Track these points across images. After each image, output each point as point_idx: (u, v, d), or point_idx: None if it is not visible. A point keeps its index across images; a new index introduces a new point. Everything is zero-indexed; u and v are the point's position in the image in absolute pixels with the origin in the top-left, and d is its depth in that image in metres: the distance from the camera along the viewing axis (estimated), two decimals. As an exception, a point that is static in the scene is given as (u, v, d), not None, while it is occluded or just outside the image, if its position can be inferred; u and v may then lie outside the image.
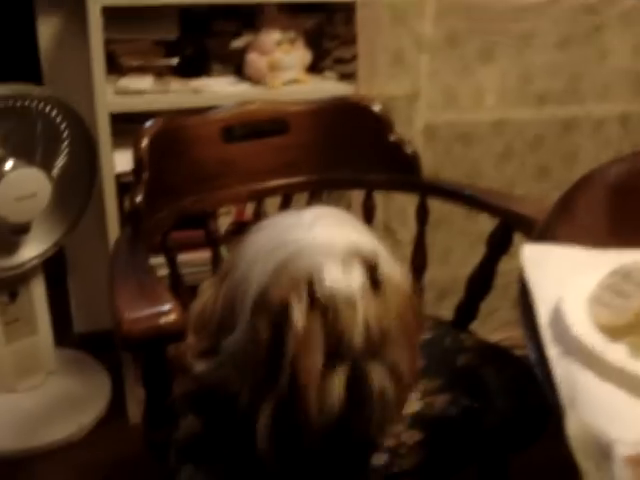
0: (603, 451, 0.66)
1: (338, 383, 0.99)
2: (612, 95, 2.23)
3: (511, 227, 1.42)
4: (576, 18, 2.10)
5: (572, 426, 0.70)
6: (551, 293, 0.92)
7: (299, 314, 0.97)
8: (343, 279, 0.99)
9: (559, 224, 1.13)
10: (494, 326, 2.19)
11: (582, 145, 2.25)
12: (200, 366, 1.19)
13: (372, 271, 1.01)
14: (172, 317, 1.00)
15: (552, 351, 0.84)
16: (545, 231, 1.12)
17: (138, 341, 0.99)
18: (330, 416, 1.00)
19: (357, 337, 0.98)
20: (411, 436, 1.21)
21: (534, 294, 0.93)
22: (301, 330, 0.97)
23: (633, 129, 2.28)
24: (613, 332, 0.84)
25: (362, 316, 0.98)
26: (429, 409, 1.27)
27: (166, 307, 1.02)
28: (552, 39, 2.10)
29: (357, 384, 1.00)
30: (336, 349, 0.98)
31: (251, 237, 1.18)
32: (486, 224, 1.47)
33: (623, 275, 0.92)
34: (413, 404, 1.26)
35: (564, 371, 0.80)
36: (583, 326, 0.85)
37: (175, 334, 1.01)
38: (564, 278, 0.96)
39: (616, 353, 0.80)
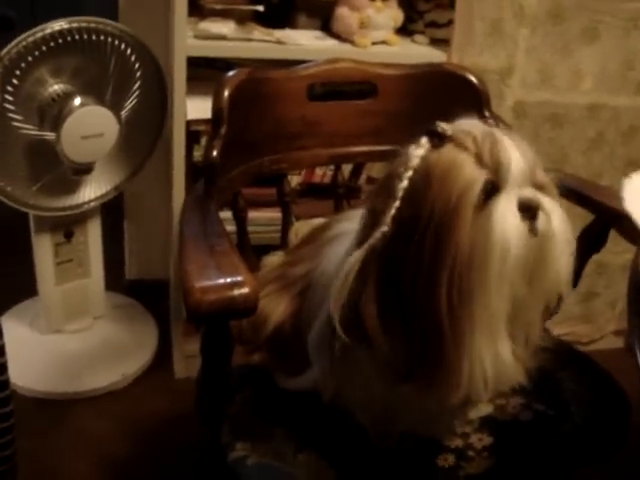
0: None
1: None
2: None
3: (608, 224, 1.31)
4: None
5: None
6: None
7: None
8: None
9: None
10: (557, 320, 2.09)
11: (677, 141, 2.12)
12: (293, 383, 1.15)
13: None
14: (246, 290, 0.91)
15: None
16: None
17: (207, 312, 0.91)
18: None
19: (516, 163, 0.91)
20: (480, 439, 1.14)
21: None
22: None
23: None
24: None
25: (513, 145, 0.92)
26: (500, 412, 1.19)
27: (239, 278, 0.93)
28: (661, 24, 1.96)
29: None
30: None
31: (329, 249, 1.12)
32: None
33: None
34: (483, 406, 1.18)
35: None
36: None
37: (248, 308, 0.92)
38: None
39: None
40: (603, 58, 1.97)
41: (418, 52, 1.88)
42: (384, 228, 0.92)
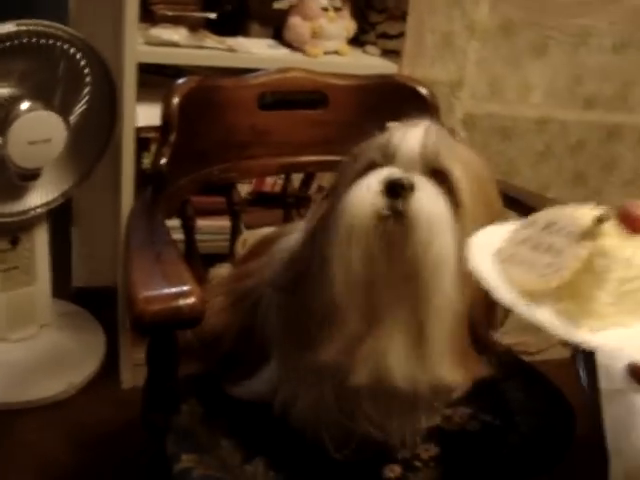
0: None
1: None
2: (661, 108, 2.13)
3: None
4: (636, 20, 1.99)
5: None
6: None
7: None
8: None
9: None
10: (506, 330, 2.10)
11: (623, 155, 2.16)
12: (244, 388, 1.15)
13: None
14: (192, 299, 0.90)
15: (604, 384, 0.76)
16: None
17: (152, 322, 0.89)
18: None
19: (408, 146, 0.93)
20: (427, 450, 1.14)
21: None
22: None
23: (678, 144, 2.19)
24: (541, 297, 0.67)
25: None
26: (447, 422, 1.19)
27: (186, 288, 0.92)
28: (609, 41, 2.00)
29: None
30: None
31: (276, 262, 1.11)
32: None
33: (545, 225, 0.74)
34: (431, 417, 1.17)
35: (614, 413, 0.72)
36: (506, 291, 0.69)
37: (194, 319, 0.91)
38: None
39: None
40: (552, 72, 2.00)
41: (369, 63, 1.89)
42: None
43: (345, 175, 0.97)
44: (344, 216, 0.89)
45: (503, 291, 0.68)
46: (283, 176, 1.53)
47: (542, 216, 0.74)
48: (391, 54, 1.91)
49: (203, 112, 1.30)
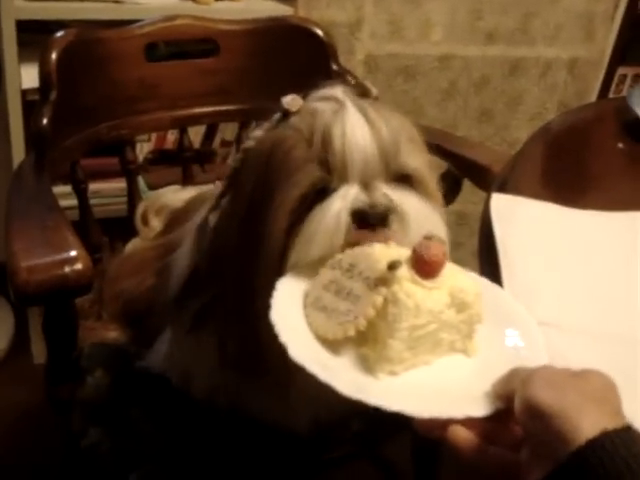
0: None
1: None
2: (562, 39, 2.13)
3: (462, 174, 1.30)
4: (532, -49, 1.98)
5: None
6: (517, 250, 0.82)
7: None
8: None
9: (519, 177, 1.05)
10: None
11: (527, 89, 2.16)
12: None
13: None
14: (78, 266, 0.85)
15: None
16: (504, 183, 1.03)
17: (37, 294, 0.83)
18: None
19: (358, 154, 0.76)
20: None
21: (500, 248, 0.83)
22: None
23: (579, 75, 2.20)
24: (337, 345, 0.68)
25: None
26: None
27: (72, 253, 0.86)
28: (506, -28, 1.97)
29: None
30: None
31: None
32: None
33: (347, 268, 0.70)
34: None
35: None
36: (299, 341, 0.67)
37: (81, 286, 0.85)
38: (533, 235, 0.86)
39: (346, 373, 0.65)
40: (451, 8, 1.97)
41: (264, 7, 1.82)
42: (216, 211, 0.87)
43: (270, 187, 0.78)
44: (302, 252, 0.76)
45: (296, 348, 0.65)
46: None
47: (346, 258, 0.71)
48: (286, -2, 1.85)
49: (85, 67, 1.23)
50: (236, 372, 0.89)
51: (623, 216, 0.93)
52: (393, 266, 0.66)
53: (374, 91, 0.85)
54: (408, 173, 0.79)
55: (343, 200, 0.75)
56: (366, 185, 0.76)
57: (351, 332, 0.66)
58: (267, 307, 0.69)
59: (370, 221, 0.74)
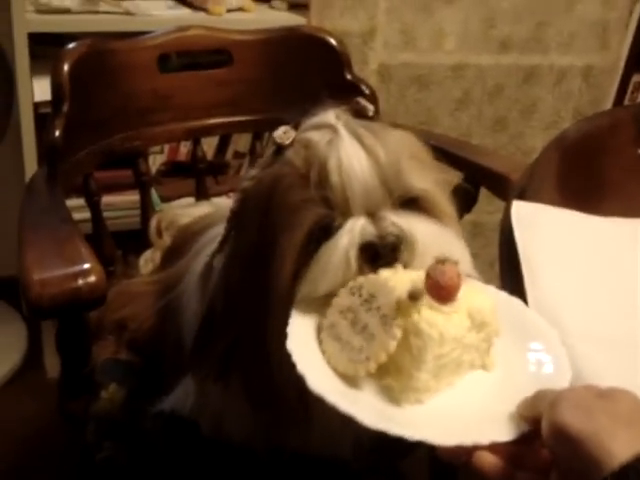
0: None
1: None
2: (576, 47, 2.11)
3: (478, 182, 1.29)
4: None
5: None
6: (541, 258, 0.80)
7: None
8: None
9: (538, 185, 1.03)
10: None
11: (542, 97, 2.14)
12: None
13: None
14: (92, 278, 0.84)
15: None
16: (523, 191, 1.02)
17: (51, 307, 0.82)
18: None
19: (358, 184, 0.72)
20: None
21: (523, 257, 0.81)
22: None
23: (594, 83, 2.18)
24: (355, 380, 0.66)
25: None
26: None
27: (85, 266, 0.85)
28: (519, -20, 1.96)
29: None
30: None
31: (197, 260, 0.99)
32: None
33: (365, 298, 0.67)
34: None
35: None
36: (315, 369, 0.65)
37: (95, 299, 0.84)
38: (556, 243, 0.84)
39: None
40: (464, 17, 1.95)
41: (276, 18, 1.81)
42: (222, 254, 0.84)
43: (273, 231, 0.75)
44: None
45: (314, 379, 0.64)
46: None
47: (367, 285, 0.68)
48: (299, 7, 1.85)
49: (97, 78, 1.22)
50: (267, 412, 0.86)
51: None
52: (414, 296, 0.64)
53: (370, 109, 0.82)
54: (414, 195, 0.75)
55: (350, 235, 0.71)
56: (372, 215, 0.73)
57: (361, 373, 0.65)
58: (282, 344, 0.68)
59: (380, 254, 0.71)
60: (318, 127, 0.77)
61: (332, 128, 0.76)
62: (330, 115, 0.78)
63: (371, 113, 0.81)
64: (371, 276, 0.70)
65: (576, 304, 0.78)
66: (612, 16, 2.10)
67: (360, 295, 0.68)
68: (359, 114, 0.80)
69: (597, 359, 0.71)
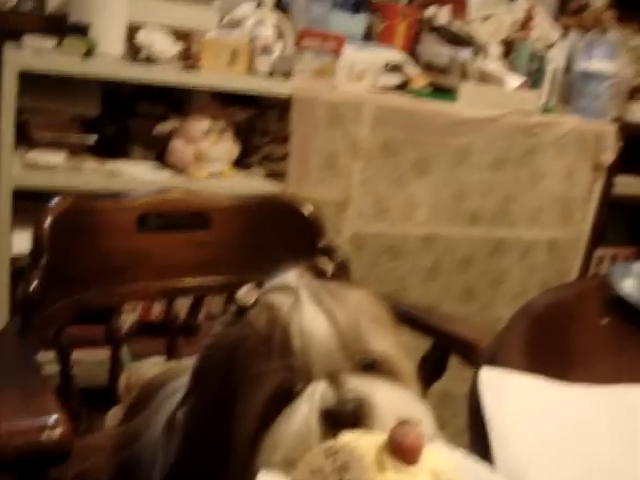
0: None
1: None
2: (541, 221, 2.20)
3: (447, 349, 1.30)
4: (513, 138, 2.08)
5: None
6: (509, 425, 0.81)
7: None
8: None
9: (506, 352, 1.05)
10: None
11: (509, 269, 2.20)
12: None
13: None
14: (57, 432, 0.82)
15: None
16: (492, 358, 1.03)
17: (13, 459, 0.81)
18: None
19: (319, 347, 0.73)
20: None
21: (490, 423, 0.81)
22: None
23: (559, 256, 2.26)
24: None
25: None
26: None
27: (51, 419, 0.84)
28: (488, 158, 2.07)
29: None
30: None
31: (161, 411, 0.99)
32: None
33: (339, 466, 0.66)
34: None
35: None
36: None
37: (59, 453, 0.83)
38: (524, 410, 0.85)
39: None
40: (435, 190, 2.04)
41: (254, 185, 1.88)
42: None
43: (234, 392, 0.76)
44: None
45: None
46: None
47: (343, 453, 0.67)
48: (277, 176, 1.91)
49: (77, 235, 1.24)
50: None
51: (612, 391, 0.93)
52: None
53: (329, 270, 0.84)
54: (374, 358, 0.77)
55: (310, 401, 0.72)
56: (333, 379, 0.73)
57: None
58: None
59: (341, 419, 0.71)
60: (280, 289, 0.79)
61: (293, 291, 0.77)
62: (292, 276, 0.80)
63: (328, 274, 0.83)
64: (349, 444, 0.68)
65: (543, 471, 0.78)
66: (574, 193, 2.20)
67: (335, 460, 0.67)
68: (320, 274, 0.82)
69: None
